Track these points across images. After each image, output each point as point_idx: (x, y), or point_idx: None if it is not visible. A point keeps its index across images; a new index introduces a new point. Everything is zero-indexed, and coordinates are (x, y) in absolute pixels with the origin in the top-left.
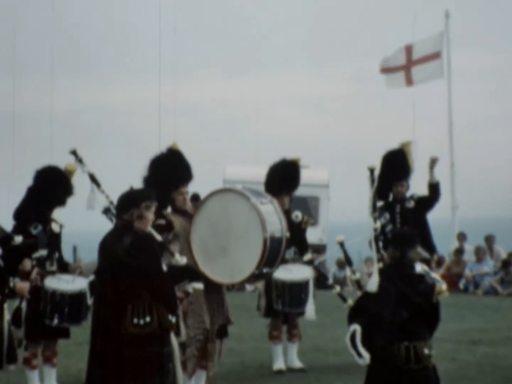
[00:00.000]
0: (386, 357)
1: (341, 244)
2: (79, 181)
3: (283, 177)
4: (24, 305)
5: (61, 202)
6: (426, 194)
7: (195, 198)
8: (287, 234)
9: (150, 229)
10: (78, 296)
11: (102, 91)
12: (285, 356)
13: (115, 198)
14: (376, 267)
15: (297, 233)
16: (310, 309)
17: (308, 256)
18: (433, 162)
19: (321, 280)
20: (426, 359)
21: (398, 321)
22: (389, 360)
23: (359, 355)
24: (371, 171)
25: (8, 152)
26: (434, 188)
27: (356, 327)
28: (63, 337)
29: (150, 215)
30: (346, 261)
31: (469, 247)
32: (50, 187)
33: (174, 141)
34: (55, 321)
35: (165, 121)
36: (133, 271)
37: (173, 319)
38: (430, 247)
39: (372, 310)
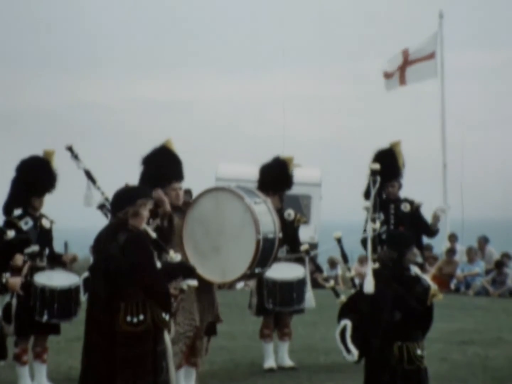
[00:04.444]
0: (381, 358)
1: (338, 240)
2: (74, 178)
3: (276, 176)
4: (14, 300)
5: (46, 190)
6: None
7: (187, 193)
8: (280, 235)
9: (145, 226)
10: (68, 292)
11: (93, 88)
12: (276, 355)
13: (110, 195)
14: (370, 267)
15: (289, 231)
16: (309, 297)
17: (305, 246)
18: (435, 218)
19: (312, 279)
20: (418, 360)
21: (391, 322)
22: (384, 361)
23: (348, 351)
24: (373, 172)
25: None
26: (432, 231)
27: (347, 323)
28: (54, 333)
29: (145, 213)
30: (342, 258)
31: (461, 248)
32: (33, 176)
33: (168, 138)
34: (45, 317)
35: (160, 118)
36: (126, 269)
37: (167, 317)
38: (420, 246)
39: (368, 313)
